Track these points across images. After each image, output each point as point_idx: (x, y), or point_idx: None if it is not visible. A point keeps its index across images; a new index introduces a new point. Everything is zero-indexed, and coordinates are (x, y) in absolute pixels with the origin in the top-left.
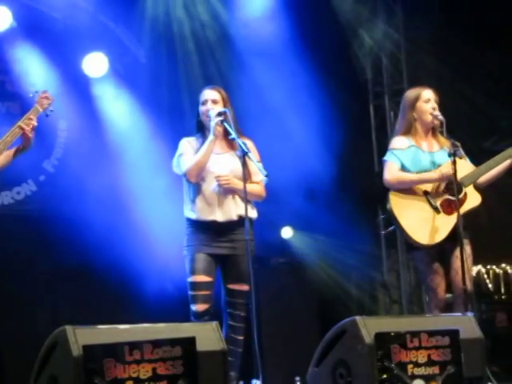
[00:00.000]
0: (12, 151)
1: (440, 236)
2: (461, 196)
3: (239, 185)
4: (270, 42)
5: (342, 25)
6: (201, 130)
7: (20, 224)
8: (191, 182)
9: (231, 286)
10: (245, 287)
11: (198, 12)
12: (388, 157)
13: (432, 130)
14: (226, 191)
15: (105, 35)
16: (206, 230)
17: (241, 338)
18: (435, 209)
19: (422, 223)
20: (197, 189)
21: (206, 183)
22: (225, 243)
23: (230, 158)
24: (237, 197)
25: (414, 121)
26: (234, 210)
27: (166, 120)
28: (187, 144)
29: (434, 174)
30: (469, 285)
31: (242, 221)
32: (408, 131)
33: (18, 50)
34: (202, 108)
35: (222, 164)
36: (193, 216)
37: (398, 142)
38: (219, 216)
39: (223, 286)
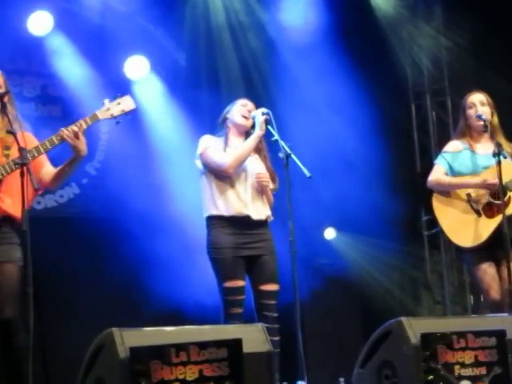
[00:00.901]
0: (57, 169)
1: (480, 239)
2: (502, 201)
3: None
4: (309, 42)
5: (383, 24)
6: (224, 129)
7: (63, 227)
8: (226, 175)
9: (263, 287)
10: (275, 287)
11: (237, 14)
12: (437, 159)
13: (487, 133)
14: (260, 190)
15: (145, 38)
16: (235, 228)
17: (276, 338)
18: (476, 212)
19: (463, 226)
20: (228, 184)
21: (241, 179)
22: (253, 244)
23: (257, 160)
24: (264, 197)
25: (465, 126)
26: (263, 209)
27: (206, 121)
28: (212, 139)
29: (475, 180)
30: None
31: (267, 222)
32: (463, 135)
33: (60, 53)
34: (239, 108)
35: (255, 163)
36: (221, 212)
37: (451, 146)
38: (252, 213)
39: (253, 287)
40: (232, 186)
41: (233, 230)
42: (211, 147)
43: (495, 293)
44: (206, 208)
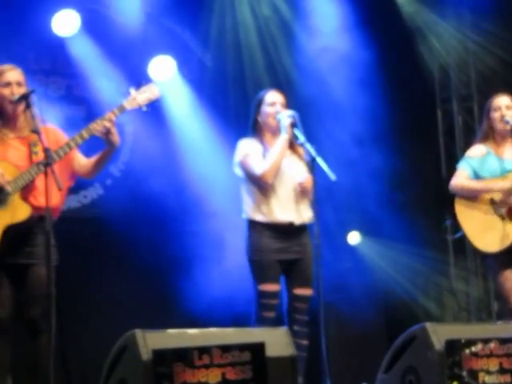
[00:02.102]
0: (93, 159)
1: (504, 244)
2: None
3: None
4: (335, 44)
5: (410, 28)
6: (258, 131)
7: (86, 227)
8: (267, 184)
9: (297, 291)
10: (309, 292)
11: (264, 16)
12: (460, 163)
13: (509, 137)
14: (302, 194)
15: (171, 40)
16: (276, 233)
17: (305, 342)
18: (500, 216)
19: (486, 230)
20: (270, 190)
21: (281, 184)
22: (293, 247)
23: (296, 161)
24: (306, 200)
25: (489, 129)
26: (306, 213)
27: (232, 123)
28: (251, 145)
29: (500, 185)
30: None
31: (307, 225)
32: (486, 139)
33: (85, 53)
34: (268, 109)
35: (294, 165)
36: (264, 218)
37: (474, 150)
38: (295, 218)
39: (288, 291)
40: (274, 192)
41: (274, 234)
42: (250, 154)
43: None
44: (248, 212)
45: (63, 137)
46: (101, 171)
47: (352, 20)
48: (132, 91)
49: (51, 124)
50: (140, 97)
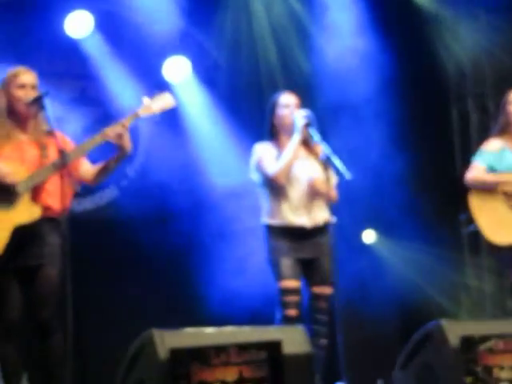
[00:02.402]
0: (99, 165)
1: None
2: None
3: (324, 189)
4: (350, 44)
5: (425, 25)
6: (275, 134)
7: (102, 228)
8: (279, 185)
9: (316, 290)
10: (328, 290)
11: (279, 17)
12: (476, 157)
13: None
14: (313, 196)
15: (185, 40)
16: (291, 236)
17: (325, 342)
18: None
19: (501, 224)
20: (281, 194)
21: (293, 187)
22: (309, 247)
23: (312, 164)
24: (321, 201)
25: (505, 123)
26: (320, 214)
27: (247, 124)
28: (265, 149)
29: None
30: None
31: (325, 225)
32: (502, 133)
33: (99, 55)
34: (283, 111)
35: (307, 168)
36: (277, 222)
37: (490, 145)
38: (307, 221)
39: (308, 290)
40: (286, 195)
41: (288, 237)
42: (264, 157)
43: None
44: (265, 217)
45: (70, 144)
46: (105, 179)
47: (368, 20)
48: (145, 100)
49: (58, 130)
50: (153, 105)
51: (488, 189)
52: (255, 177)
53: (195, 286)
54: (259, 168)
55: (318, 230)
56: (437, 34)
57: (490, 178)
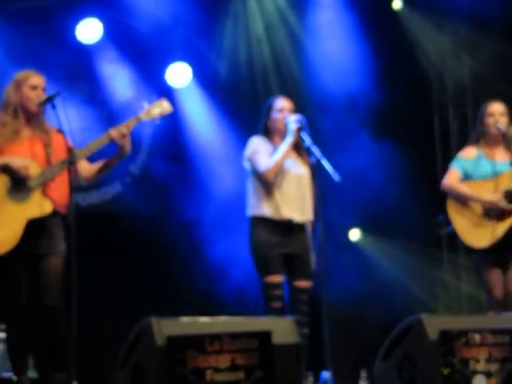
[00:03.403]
0: (99, 164)
1: (491, 240)
2: None
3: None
4: (339, 54)
5: (410, 39)
6: (268, 135)
7: (106, 221)
8: (267, 182)
9: (297, 283)
10: (308, 284)
11: (274, 27)
12: (453, 163)
13: (500, 142)
14: (305, 192)
15: (187, 48)
16: (277, 229)
17: (306, 330)
18: (488, 216)
19: (476, 227)
20: (273, 187)
21: (286, 182)
22: (293, 242)
23: (300, 164)
24: (309, 199)
25: (482, 133)
26: (306, 212)
27: (244, 125)
28: (262, 142)
29: (487, 197)
30: None
31: (306, 224)
32: (478, 142)
33: (108, 59)
34: (277, 115)
35: (298, 166)
36: (266, 214)
37: (467, 152)
38: (297, 215)
39: (289, 283)
40: (278, 189)
41: (275, 230)
42: (259, 151)
43: (498, 292)
44: (251, 208)
45: (68, 143)
46: (102, 177)
47: (355, 31)
48: (146, 105)
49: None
50: (153, 111)
51: (461, 200)
52: (247, 166)
53: (194, 276)
54: (252, 160)
55: (301, 227)
56: (420, 48)
57: (466, 191)
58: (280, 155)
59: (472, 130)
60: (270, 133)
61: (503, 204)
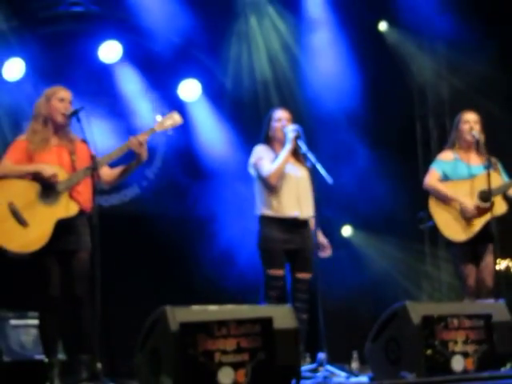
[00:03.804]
0: (119, 169)
1: (468, 235)
2: (489, 204)
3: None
4: (331, 68)
5: (395, 56)
6: (269, 142)
7: (126, 221)
8: (271, 185)
9: (298, 275)
10: (309, 275)
11: (274, 48)
12: (433, 164)
13: (474, 147)
14: (306, 192)
15: (197, 66)
16: (282, 226)
17: (305, 316)
18: (463, 214)
19: (454, 222)
20: (277, 189)
21: (287, 184)
22: (296, 239)
23: (299, 167)
24: (311, 198)
25: (457, 138)
26: (309, 209)
27: (247, 136)
28: (265, 150)
29: (465, 201)
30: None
31: (309, 220)
32: (453, 146)
33: (126, 77)
34: (276, 124)
35: (297, 171)
36: (272, 213)
37: (445, 155)
38: (298, 213)
39: (291, 275)
40: (281, 190)
41: (280, 227)
42: (262, 158)
43: (472, 281)
44: (259, 208)
45: (91, 151)
46: (121, 181)
47: (346, 50)
48: (159, 118)
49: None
50: (166, 122)
51: (441, 199)
52: (252, 172)
53: (204, 271)
54: (256, 166)
55: (305, 224)
56: (404, 64)
57: (446, 191)
58: (281, 161)
59: (449, 137)
60: (270, 141)
61: (478, 204)
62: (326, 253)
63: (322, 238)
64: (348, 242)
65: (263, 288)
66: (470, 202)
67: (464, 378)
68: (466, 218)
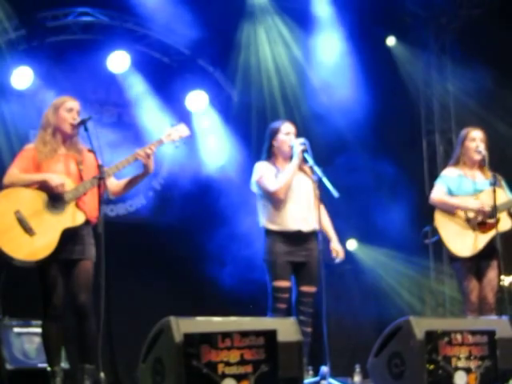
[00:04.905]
0: (126, 180)
1: (473, 250)
2: (494, 220)
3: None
4: (339, 83)
5: (401, 72)
6: (272, 154)
7: (131, 230)
8: (279, 199)
9: (303, 288)
10: (313, 289)
11: (281, 61)
12: (438, 180)
13: (478, 164)
14: (311, 205)
15: (204, 77)
16: (287, 240)
17: (309, 329)
18: (472, 227)
19: (460, 237)
20: (282, 203)
21: (293, 198)
22: (301, 252)
23: (304, 179)
24: (315, 211)
25: (462, 155)
26: (313, 222)
27: (254, 147)
28: (266, 167)
29: (473, 203)
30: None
31: (315, 232)
32: (458, 163)
33: (134, 87)
34: (284, 137)
35: (304, 182)
36: (276, 227)
37: (449, 171)
38: (303, 226)
39: (296, 288)
40: (286, 204)
41: (285, 240)
42: (265, 175)
43: (475, 297)
44: (264, 222)
45: (98, 161)
46: (128, 192)
47: (354, 64)
48: (167, 129)
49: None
50: (173, 134)
51: (448, 211)
52: (255, 189)
53: (210, 282)
54: (260, 183)
55: (310, 237)
56: (411, 80)
57: (454, 201)
58: (288, 175)
59: (453, 153)
60: (273, 155)
61: (488, 208)
62: (339, 257)
63: (335, 244)
64: (353, 255)
65: (270, 301)
66: (480, 203)
67: None
68: (474, 225)
